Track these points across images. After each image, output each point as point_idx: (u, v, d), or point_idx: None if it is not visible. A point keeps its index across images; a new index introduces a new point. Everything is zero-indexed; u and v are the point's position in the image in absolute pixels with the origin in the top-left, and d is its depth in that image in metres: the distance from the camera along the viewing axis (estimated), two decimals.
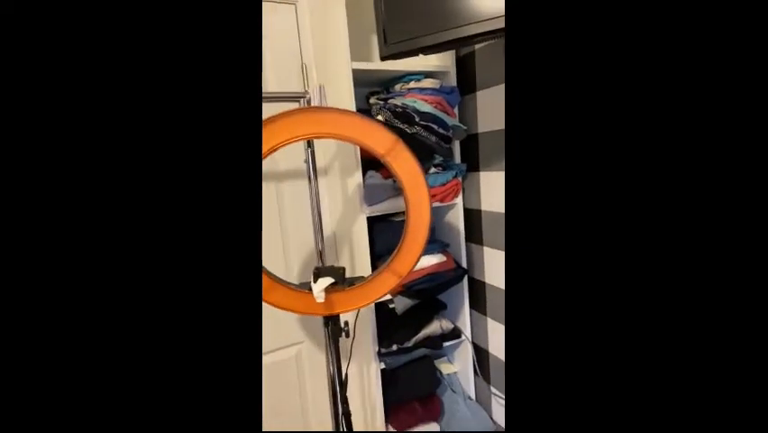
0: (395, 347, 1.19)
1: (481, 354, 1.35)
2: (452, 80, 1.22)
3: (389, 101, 1.15)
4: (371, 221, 1.15)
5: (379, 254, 1.16)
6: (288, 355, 1.29)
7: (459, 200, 1.27)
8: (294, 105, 0.89)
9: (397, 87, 1.19)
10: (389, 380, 1.21)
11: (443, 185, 1.19)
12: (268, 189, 1.18)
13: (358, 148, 1.07)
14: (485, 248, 1.27)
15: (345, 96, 1.04)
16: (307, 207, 1.03)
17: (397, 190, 1.15)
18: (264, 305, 0.71)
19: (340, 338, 0.88)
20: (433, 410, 1.28)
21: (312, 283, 0.78)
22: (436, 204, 1.20)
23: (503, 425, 1.31)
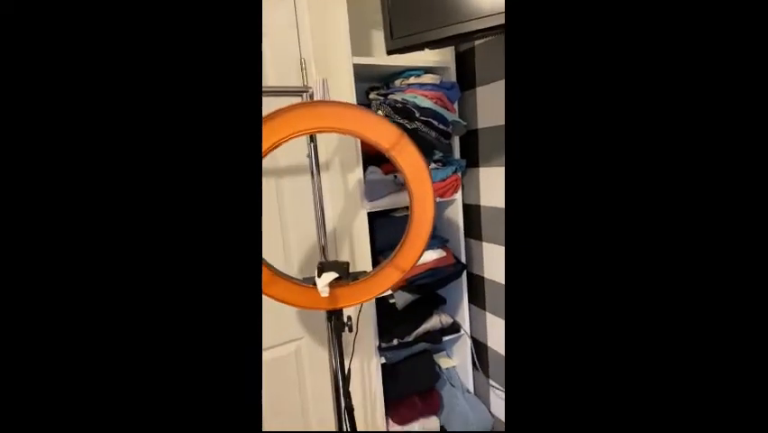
0: (395, 342, 1.20)
1: (480, 349, 1.36)
2: (452, 76, 1.22)
3: (389, 96, 1.15)
4: (372, 217, 1.15)
5: (380, 250, 1.16)
6: (288, 352, 1.29)
7: (458, 196, 1.28)
8: (295, 100, 0.89)
9: (397, 82, 1.19)
10: (390, 374, 1.22)
11: (443, 180, 1.20)
12: (267, 185, 1.18)
13: (359, 143, 1.07)
14: (484, 243, 1.28)
15: (346, 91, 1.04)
16: (307, 203, 1.03)
17: (398, 186, 1.16)
18: (264, 301, 0.70)
19: (342, 333, 0.88)
20: (432, 404, 1.29)
21: (316, 278, 0.78)
22: (436, 199, 1.21)
23: (501, 418, 1.33)
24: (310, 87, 0.85)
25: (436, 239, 1.24)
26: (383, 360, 1.19)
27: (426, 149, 1.15)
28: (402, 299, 1.17)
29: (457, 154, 1.26)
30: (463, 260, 1.31)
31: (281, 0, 1.14)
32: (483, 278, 1.30)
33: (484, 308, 1.32)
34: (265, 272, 0.79)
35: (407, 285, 1.14)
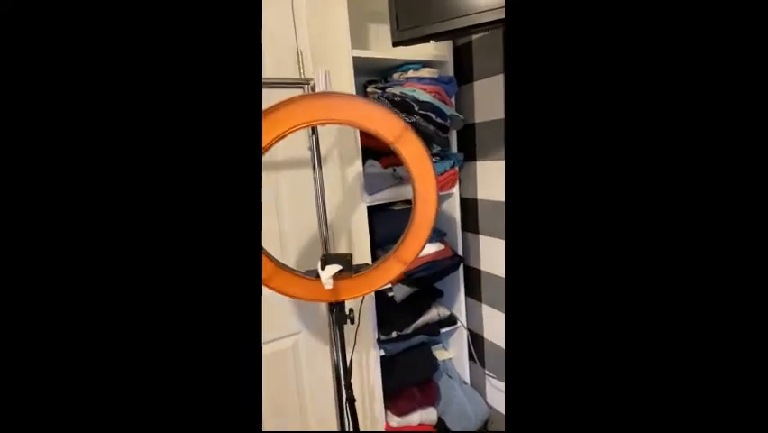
0: (394, 334, 1.20)
1: (476, 340, 1.38)
2: (450, 70, 1.23)
3: (387, 90, 1.15)
4: (370, 211, 1.15)
5: (379, 244, 1.16)
6: (285, 346, 1.28)
7: (455, 190, 1.29)
8: (296, 92, 0.88)
9: (395, 75, 1.19)
10: (388, 367, 1.23)
11: (441, 174, 1.21)
12: (264, 178, 1.16)
13: (358, 136, 1.07)
14: (480, 236, 1.29)
15: (346, 85, 1.04)
16: (304, 196, 1.02)
17: (397, 180, 1.16)
18: (264, 296, 0.70)
19: (345, 325, 0.89)
20: (430, 396, 1.31)
21: (320, 270, 0.78)
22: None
23: (498, 408, 1.36)
24: (311, 80, 0.84)
25: (435, 232, 1.25)
26: (382, 352, 1.20)
27: (425, 143, 1.16)
28: (401, 292, 1.18)
29: (454, 148, 1.27)
30: (460, 253, 1.33)
31: None
32: (480, 270, 1.32)
33: (480, 301, 1.34)
34: (268, 265, 0.79)
35: (406, 278, 1.15)
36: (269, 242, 1.18)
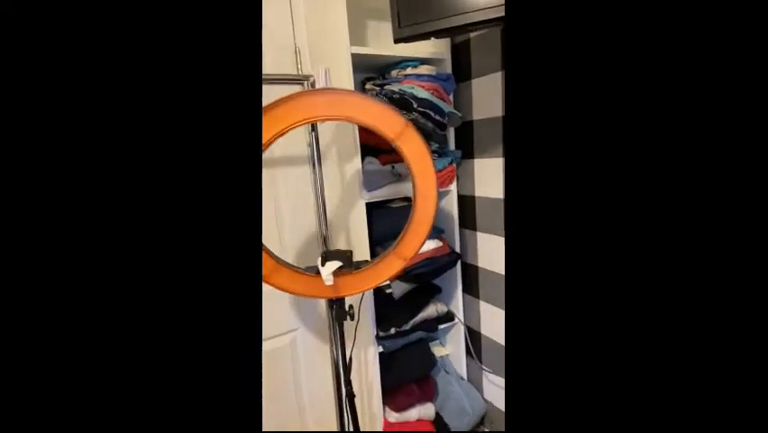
0: (393, 331, 1.21)
1: (474, 336, 1.39)
2: (447, 68, 1.23)
3: (386, 87, 1.15)
4: (368, 208, 1.15)
5: (378, 241, 1.17)
6: (283, 343, 1.28)
7: (453, 187, 1.29)
8: (295, 88, 0.88)
9: (393, 73, 1.19)
10: (387, 363, 1.24)
11: (439, 171, 1.21)
12: (264, 175, 1.16)
13: (357, 133, 1.07)
14: (478, 233, 1.30)
15: (345, 82, 1.04)
16: (301, 193, 1.02)
17: (396, 177, 1.16)
18: (264, 293, 0.70)
19: (344, 321, 0.89)
20: (428, 391, 1.32)
21: (320, 267, 0.79)
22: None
23: (495, 403, 1.37)
24: (311, 76, 0.84)
25: (433, 229, 1.26)
26: (381, 349, 1.21)
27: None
28: (399, 289, 1.18)
29: (452, 145, 1.28)
30: (458, 250, 1.33)
31: None
32: (477, 267, 1.33)
33: (478, 297, 1.35)
34: (268, 262, 0.79)
35: (404, 275, 1.16)
36: (269, 238, 1.18)
